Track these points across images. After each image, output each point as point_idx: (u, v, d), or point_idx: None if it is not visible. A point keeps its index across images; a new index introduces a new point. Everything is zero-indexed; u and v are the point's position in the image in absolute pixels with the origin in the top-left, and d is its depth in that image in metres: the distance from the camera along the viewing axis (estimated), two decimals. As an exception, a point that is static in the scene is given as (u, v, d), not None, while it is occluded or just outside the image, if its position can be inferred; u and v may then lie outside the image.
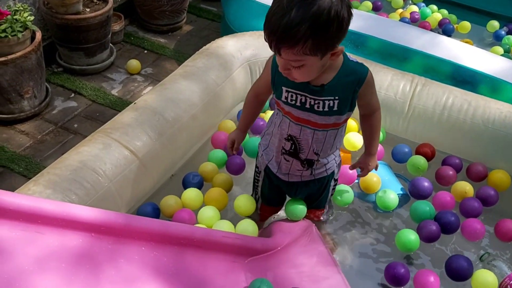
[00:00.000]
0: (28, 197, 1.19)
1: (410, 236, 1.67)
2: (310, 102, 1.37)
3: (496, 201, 1.84)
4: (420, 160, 1.94)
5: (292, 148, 1.49)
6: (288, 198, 1.73)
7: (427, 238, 1.69)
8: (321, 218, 1.78)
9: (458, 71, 2.28)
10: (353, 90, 1.37)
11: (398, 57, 2.37)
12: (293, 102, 1.38)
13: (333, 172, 1.61)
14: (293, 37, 1.15)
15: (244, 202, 1.72)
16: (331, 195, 1.73)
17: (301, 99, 1.37)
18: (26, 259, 1.14)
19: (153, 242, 1.39)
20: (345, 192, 1.80)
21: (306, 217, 1.71)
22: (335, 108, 1.38)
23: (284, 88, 1.38)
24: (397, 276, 1.58)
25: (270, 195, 1.70)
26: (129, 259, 1.34)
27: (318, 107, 1.37)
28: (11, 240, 1.13)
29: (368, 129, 1.56)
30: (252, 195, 1.76)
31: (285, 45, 1.18)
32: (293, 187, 1.62)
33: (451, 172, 1.92)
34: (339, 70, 1.34)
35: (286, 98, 1.39)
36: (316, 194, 1.66)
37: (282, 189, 1.66)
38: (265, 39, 1.22)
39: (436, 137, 2.03)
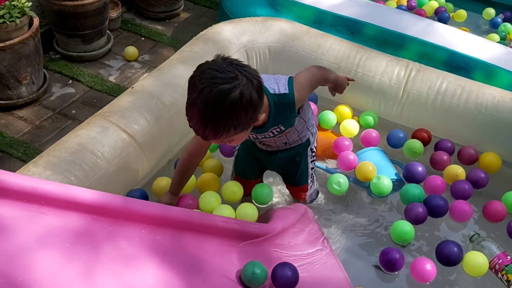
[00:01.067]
0: (30, 177, 1.22)
1: (405, 227, 1.68)
2: (260, 135, 1.52)
3: (486, 183, 1.87)
4: (416, 143, 1.97)
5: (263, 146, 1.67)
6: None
7: (414, 220, 1.72)
8: (306, 199, 1.81)
9: (453, 58, 2.31)
10: (290, 115, 1.48)
11: (394, 43, 2.39)
12: (250, 139, 1.54)
13: (308, 140, 1.68)
14: (215, 133, 1.27)
15: (232, 188, 1.74)
16: (312, 169, 1.76)
17: (252, 136, 1.52)
18: (28, 237, 1.16)
19: (152, 225, 1.42)
20: (341, 182, 1.83)
21: (292, 195, 1.77)
22: (284, 129, 1.52)
23: None
24: (392, 261, 1.59)
25: (245, 166, 1.76)
26: (129, 240, 1.36)
27: (268, 135, 1.52)
28: (14, 218, 1.16)
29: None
30: (231, 173, 1.83)
31: (211, 138, 1.31)
32: (271, 156, 1.68)
33: (445, 157, 1.95)
34: (269, 109, 1.43)
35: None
36: (295, 165, 1.71)
37: (259, 160, 1.73)
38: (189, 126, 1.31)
39: (430, 122, 2.06)
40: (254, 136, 1.54)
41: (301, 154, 1.70)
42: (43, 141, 2.29)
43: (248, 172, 1.78)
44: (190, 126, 1.32)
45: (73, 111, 2.48)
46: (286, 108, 1.45)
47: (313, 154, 1.74)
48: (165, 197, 1.64)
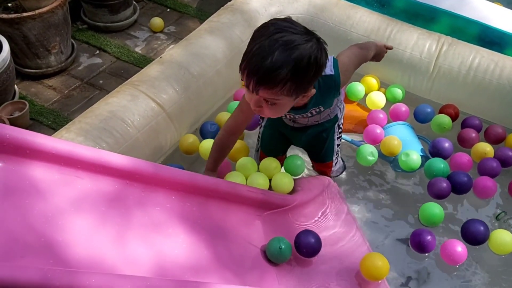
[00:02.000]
0: (66, 141, 1.24)
1: (435, 209, 1.65)
2: (298, 116, 1.51)
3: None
4: (445, 119, 1.94)
5: (293, 124, 1.62)
6: (288, 155, 1.79)
7: (436, 195, 1.70)
8: (331, 174, 1.81)
9: (486, 32, 2.24)
10: (333, 97, 1.47)
11: (425, 17, 2.32)
12: (283, 117, 1.51)
13: (336, 116, 1.66)
14: (274, 79, 1.18)
15: (245, 164, 1.72)
16: (338, 145, 1.75)
17: (288, 116, 1.50)
18: (65, 200, 1.19)
19: (182, 192, 1.44)
20: (373, 152, 1.82)
21: (317, 171, 1.76)
22: (323, 109, 1.51)
23: None
24: (423, 244, 1.56)
25: (271, 142, 1.74)
26: (159, 206, 1.39)
27: (306, 115, 1.50)
28: (51, 181, 1.19)
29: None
30: (255, 149, 1.82)
31: (265, 86, 1.21)
32: (297, 132, 1.65)
33: (473, 135, 1.92)
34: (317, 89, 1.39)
35: None
36: (321, 141, 1.70)
37: (285, 136, 1.71)
38: (241, 78, 1.25)
39: (460, 98, 2.02)
40: (292, 116, 1.52)
41: (328, 130, 1.68)
42: (72, 110, 2.33)
43: (275, 149, 1.76)
44: (242, 76, 1.25)
45: (101, 81, 2.51)
46: (331, 90, 1.43)
47: (340, 130, 1.73)
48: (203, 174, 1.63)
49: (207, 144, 1.76)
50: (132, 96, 1.68)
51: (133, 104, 1.65)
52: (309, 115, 1.52)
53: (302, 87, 1.26)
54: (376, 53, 1.70)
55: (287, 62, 1.17)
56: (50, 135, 1.54)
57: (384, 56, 1.74)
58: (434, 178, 1.74)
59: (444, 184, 1.70)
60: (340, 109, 1.67)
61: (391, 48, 1.77)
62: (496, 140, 1.94)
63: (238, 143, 1.78)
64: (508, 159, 1.84)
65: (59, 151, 1.18)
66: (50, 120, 2.26)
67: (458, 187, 1.72)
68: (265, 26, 1.23)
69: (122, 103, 1.64)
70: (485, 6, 2.36)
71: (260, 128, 1.77)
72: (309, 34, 1.22)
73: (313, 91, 1.33)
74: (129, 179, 1.32)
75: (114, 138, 1.55)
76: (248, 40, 1.25)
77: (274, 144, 1.75)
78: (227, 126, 1.56)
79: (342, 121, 1.72)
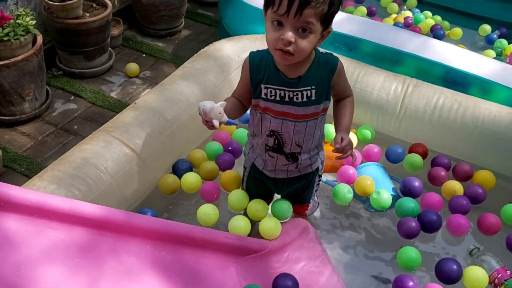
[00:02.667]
0: (37, 192, 1.24)
1: (412, 253, 1.67)
2: (289, 95, 1.45)
3: (484, 198, 1.89)
4: (416, 158, 2.00)
5: (276, 143, 1.55)
6: (275, 198, 1.79)
7: (406, 234, 1.74)
8: (306, 213, 1.83)
9: (449, 73, 2.34)
10: (327, 78, 1.47)
11: (391, 60, 2.43)
12: (273, 97, 1.46)
13: (317, 168, 1.67)
14: None
15: (238, 196, 1.76)
16: (316, 190, 1.78)
17: (280, 93, 1.45)
18: (36, 251, 1.18)
19: (156, 240, 1.44)
20: (347, 193, 1.86)
21: (293, 212, 1.77)
22: (313, 98, 1.46)
23: (263, 86, 1.46)
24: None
25: (256, 192, 1.75)
26: (133, 254, 1.38)
27: (297, 98, 1.45)
28: (22, 232, 1.18)
29: (343, 111, 1.58)
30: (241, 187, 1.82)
31: (310, 4, 1.26)
32: (279, 183, 1.67)
33: (443, 173, 1.98)
34: (312, 61, 1.45)
35: (266, 94, 1.46)
36: (301, 189, 1.72)
37: (268, 187, 1.71)
38: (272, 9, 1.28)
39: (427, 137, 2.09)
40: (282, 94, 1.45)
41: (309, 180, 1.70)
42: (46, 156, 2.32)
43: (257, 192, 1.76)
44: (274, 6, 1.28)
45: (75, 127, 2.51)
46: (327, 67, 1.46)
47: (320, 178, 1.75)
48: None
49: (189, 178, 1.82)
50: (106, 142, 1.69)
51: (106, 150, 1.66)
52: (299, 99, 1.45)
53: (331, 16, 1.32)
54: (346, 143, 1.50)
55: None
56: (24, 182, 1.53)
57: (345, 157, 1.52)
58: (404, 217, 1.77)
59: (413, 224, 1.74)
60: (322, 161, 1.68)
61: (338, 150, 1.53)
62: (464, 177, 2.00)
63: (231, 173, 1.84)
64: (478, 196, 1.89)
65: (32, 203, 1.18)
66: (23, 167, 2.24)
67: (428, 226, 1.76)
68: None
69: (96, 150, 1.65)
70: (448, 49, 2.48)
71: (243, 177, 1.77)
72: None
73: (331, 29, 1.38)
74: (103, 228, 1.32)
75: (87, 185, 1.55)
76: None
77: (260, 194, 1.75)
78: (235, 93, 1.59)
79: (322, 170, 1.73)
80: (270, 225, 1.65)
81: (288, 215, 1.75)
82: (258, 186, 1.72)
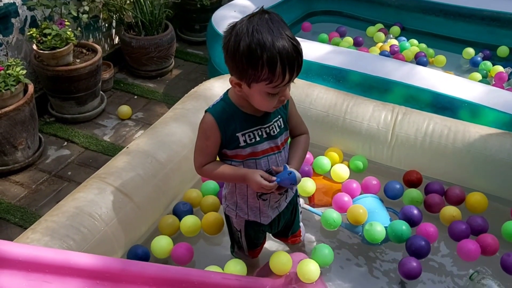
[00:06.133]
0: (31, 246, 1.22)
1: None
2: (265, 131, 1.47)
3: (487, 229, 1.86)
4: (415, 193, 2.00)
5: None
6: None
7: (407, 275, 1.72)
8: (301, 239, 1.84)
9: (437, 99, 2.37)
10: (284, 106, 1.51)
11: (379, 88, 2.46)
12: (253, 140, 1.46)
13: (296, 190, 1.70)
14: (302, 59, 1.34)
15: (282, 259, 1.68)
16: (300, 212, 1.79)
17: (258, 133, 1.47)
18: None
19: (153, 286, 1.41)
20: (335, 216, 1.86)
21: (290, 244, 1.78)
22: (282, 126, 1.51)
23: (239, 134, 1.44)
24: None
25: (257, 241, 1.74)
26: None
27: (273, 132, 1.48)
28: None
29: (298, 146, 1.58)
30: (232, 248, 1.79)
31: (301, 67, 1.33)
32: (274, 223, 1.67)
33: (438, 200, 1.98)
34: None
35: (245, 141, 1.45)
36: (291, 218, 1.72)
37: (265, 230, 1.71)
38: (277, 75, 1.27)
39: (421, 163, 2.10)
40: (260, 132, 1.46)
41: (294, 204, 1.71)
42: (40, 205, 2.30)
43: (258, 241, 1.75)
44: (275, 77, 1.27)
45: (69, 173, 2.51)
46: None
47: (299, 199, 1.76)
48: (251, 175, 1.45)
49: (189, 220, 1.83)
50: (99, 189, 1.68)
51: (100, 198, 1.65)
52: (276, 130, 1.48)
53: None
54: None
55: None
56: (18, 232, 1.52)
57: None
58: (405, 258, 1.76)
59: (414, 264, 1.72)
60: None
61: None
62: (456, 201, 2.00)
63: (213, 216, 1.85)
64: (477, 227, 1.86)
65: (25, 257, 1.16)
66: (18, 217, 2.22)
67: (419, 252, 1.75)
68: (246, 27, 1.27)
69: (89, 197, 1.64)
70: (434, 75, 2.52)
71: (237, 232, 1.71)
72: None
73: None
74: (99, 278, 1.30)
75: (82, 234, 1.53)
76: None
77: (257, 238, 1.73)
78: (203, 160, 1.49)
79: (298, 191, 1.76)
80: (282, 260, 1.62)
81: (288, 268, 1.67)
82: (256, 234, 1.70)
